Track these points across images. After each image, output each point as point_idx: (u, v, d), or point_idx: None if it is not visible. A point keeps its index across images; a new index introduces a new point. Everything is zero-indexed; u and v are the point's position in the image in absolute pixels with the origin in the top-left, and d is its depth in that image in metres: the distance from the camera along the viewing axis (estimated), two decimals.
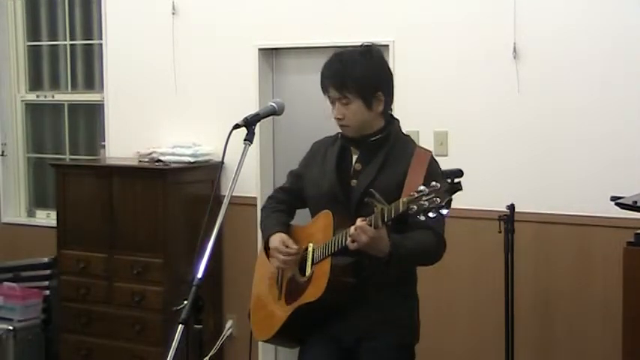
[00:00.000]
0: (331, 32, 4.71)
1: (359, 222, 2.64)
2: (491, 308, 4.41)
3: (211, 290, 5.07)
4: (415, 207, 2.46)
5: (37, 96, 6.26)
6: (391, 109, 3.03)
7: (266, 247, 3.03)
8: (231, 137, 2.66)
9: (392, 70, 4.64)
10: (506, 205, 4.19)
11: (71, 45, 6.11)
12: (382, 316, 2.87)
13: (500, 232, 4.15)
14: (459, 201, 4.53)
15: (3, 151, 6.25)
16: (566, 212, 4.33)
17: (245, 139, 2.75)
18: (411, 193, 2.49)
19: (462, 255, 4.60)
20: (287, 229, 3.05)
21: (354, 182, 2.89)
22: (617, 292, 3.53)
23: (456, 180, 2.49)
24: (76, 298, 5.27)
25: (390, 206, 2.57)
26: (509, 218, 4.15)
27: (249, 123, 2.78)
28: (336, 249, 2.78)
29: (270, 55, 5.19)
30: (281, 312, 2.95)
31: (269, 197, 3.23)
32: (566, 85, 4.33)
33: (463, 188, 2.56)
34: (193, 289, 2.46)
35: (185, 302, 2.44)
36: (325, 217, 2.90)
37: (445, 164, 4.55)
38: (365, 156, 2.92)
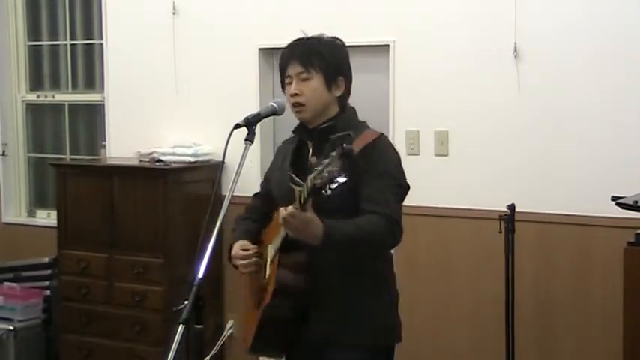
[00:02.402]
0: (331, 32, 4.69)
1: (289, 207, 2.54)
2: (492, 308, 4.41)
3: (212, 290, 5.07)
4: (319, 181, 2.36)
5: (38, 96, 6.26)
6: (351, 107, 2.96)
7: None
8: (231, 137, 2.66)
9: (392, 70, 4.72)
10: (506, 204, 4.19)
11: (72, 45, 6.11)
12: (346, 317, 2.79)
13: (500, 232, 4.14)
14: (459, 200, 4.60)
15: (4, 151, 6.25)
16: (566, 212, 4.33)
17: (246, 139, 2.74)
18: (314, 168, 2.39)
19: (462, 255, 4.61)
20: (254, 236, 2.99)
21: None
22: (617, 292, 3.52)
23: (345, 145, 2.34)
24: (76, 298, 5.27)
25: (303, 186, 2.48)
26: (509, 218, 4.15)
27: (250, 123, 2.77)
28: (279, 243, 2.73)
29: (270, 54, 5.19)
30: (254, 319, 2.89)
31: (246, 207, 3.17)
32: (566, 84, 4.33)
33: (355, 150, 2.43)
34: (194, 289, 2.45)
35: (185, 302, 2.43)
36: (277, 214, 2.83)
37: (446, 164, 4.62)
38: (318, 147, 2.83)
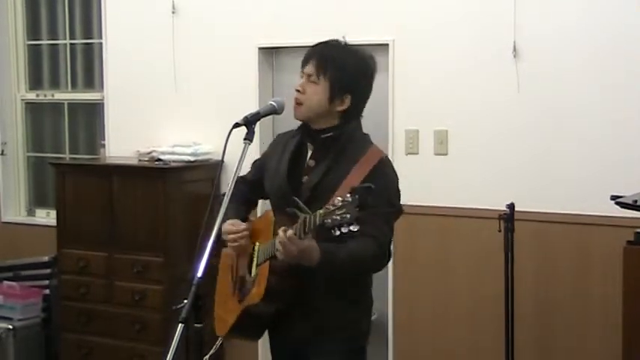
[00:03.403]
0: (331, 32, 4.71)
1: (289, 233, 2.57)
2: (491, 307, 4.41)
3: (211, 289, 5.05)
4: (329, 221, 2.43)
5: (37, 95, 6.26)
6: (356, 120, 2.95)
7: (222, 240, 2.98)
8: (231, 136, 2.66)
9: (392, 69, 4.72)
10: (506, 204, 4.19)
11: (71, 44, 6.10)
12: (328, 320, 2.84)
13: (500, 231, 4.15)
14: (459, 199, 4.60)
15: (3, 151, 6.24)
16: (566, 211, 4.34)
17: (245, 138, 2.75)
18: (327, 206, 2.45)
19: (461, 254, 4.61)
20: (242, 218, 3.01)
21: (305, 179, 2.86)
22: (617, 291, 3.53)
23: (364, 197, 2.42)
24: (76, 297, 5.27)
25: (310, 216, 2.52)
26: (509, 217, 4.15)
27: (250, 122, 2.78)
28: (272, 254, 2.73)
29: (270, 54, 5.19)
30: (233, 310, 2.93)
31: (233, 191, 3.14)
32: (566, 84, 4.33)
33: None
34: (193, 287, 2.46)
35: (185, 301, 2.44)
36: (267, 215, 2.89)
37: (445, 163, 4.62)
38: (318, 152, 2.88)
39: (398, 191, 2.87)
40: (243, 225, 2.94)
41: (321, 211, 2.47)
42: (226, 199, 2.65)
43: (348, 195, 2.42)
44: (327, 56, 2.87)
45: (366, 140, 2.94)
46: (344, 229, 2.41)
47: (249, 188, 3.10)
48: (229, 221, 2.94)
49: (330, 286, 2.82)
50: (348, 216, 2.39)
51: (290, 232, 2.57)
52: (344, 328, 2.87)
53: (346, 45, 2.94)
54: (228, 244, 2.96)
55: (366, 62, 2.92)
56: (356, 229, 2.40)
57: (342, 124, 2.89)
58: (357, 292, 2.93)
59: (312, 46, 2.95)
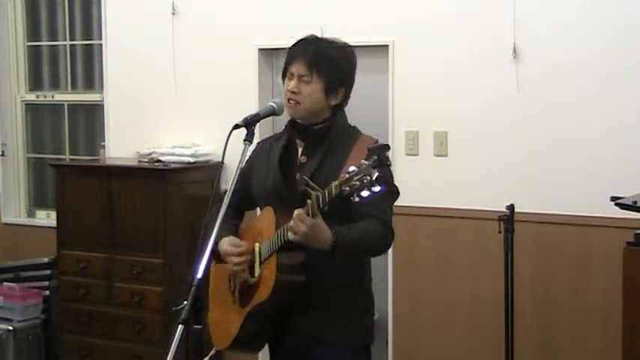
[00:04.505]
0: (331, 33, 4.72)
1: (296, 212, 2.58)
2: (492, 308, 4.41)
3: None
4: (347, 188, 2.40)
5: (37, 96, 6.26)
6: (343, 112, 2.98)
7: (218, 257, 2.95)
8: (231, 137, 2.66)
9: (392, 70, 4.72)
10: (505, 205, 4.19)
11: (71, 45, 6.11)
12: (331, 316, 2.84)
13: (500, 232, 4.15)
14: (459, 201, 4.60)
15: (3, 152, 6.24)
16: (566, 212, 4.33)
17: (245, 140, 2.74)
18: (342, 175, 2.43)
19: (461, 255, 4.61)
20: (235, 233, 2.99)
21: (298, 175, 2.85)
22: (616, 292, 3.53)
23: (383, 154, 2.39)
24: (75, 299, 5.27)
25: (323, 191, 2.51)
26: (509, 218, 4.15)
27: (249, 123, 2.77)
28: (279, 244, 2.73)
29: (270, 55, 5.19)
30: (237, 317, 2.89)
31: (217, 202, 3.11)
32: (565, 84, 4.33)
33: (392, 162, 2.48)
34: (193, 289, 2.45)
35: (185, 302, 2.44)
36: (267, 213, 2.87)
37: (445, 164, 4.62)
38: (309, 148, 2.90)
39: (392, 175, 2.87)
40: (241, 242, 2.91)
41: (335, 183, 2.45)
42: (225, 202, 2.63)
43: (363, 160, 2.40)
44: (315, 54, 2.87)
45: (355, 130, 2.96)
46: (364, 193, 2.37)
47: (238, 198, 3.03)
48: (227, 240, 2.91)
49: (333, 279, 2.81)
50: (368, 178, 2.36)
51: (298, 210, 2.57)
52: (347, 323, 2.86)
53: (325, 39, 2.95)
54: (232, 266, 2.91)
55: (350, 52, 2.95)
56: (378, 190, 2.36)
57: (333, 116, 2.91)
58: (358, 285, 2.93)
59: (293, 46, 2.95)
